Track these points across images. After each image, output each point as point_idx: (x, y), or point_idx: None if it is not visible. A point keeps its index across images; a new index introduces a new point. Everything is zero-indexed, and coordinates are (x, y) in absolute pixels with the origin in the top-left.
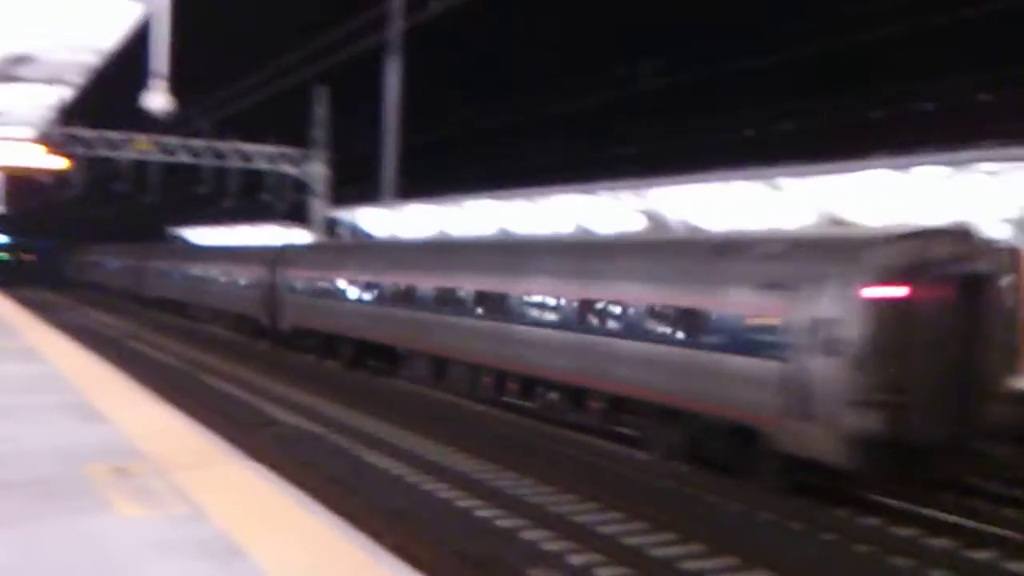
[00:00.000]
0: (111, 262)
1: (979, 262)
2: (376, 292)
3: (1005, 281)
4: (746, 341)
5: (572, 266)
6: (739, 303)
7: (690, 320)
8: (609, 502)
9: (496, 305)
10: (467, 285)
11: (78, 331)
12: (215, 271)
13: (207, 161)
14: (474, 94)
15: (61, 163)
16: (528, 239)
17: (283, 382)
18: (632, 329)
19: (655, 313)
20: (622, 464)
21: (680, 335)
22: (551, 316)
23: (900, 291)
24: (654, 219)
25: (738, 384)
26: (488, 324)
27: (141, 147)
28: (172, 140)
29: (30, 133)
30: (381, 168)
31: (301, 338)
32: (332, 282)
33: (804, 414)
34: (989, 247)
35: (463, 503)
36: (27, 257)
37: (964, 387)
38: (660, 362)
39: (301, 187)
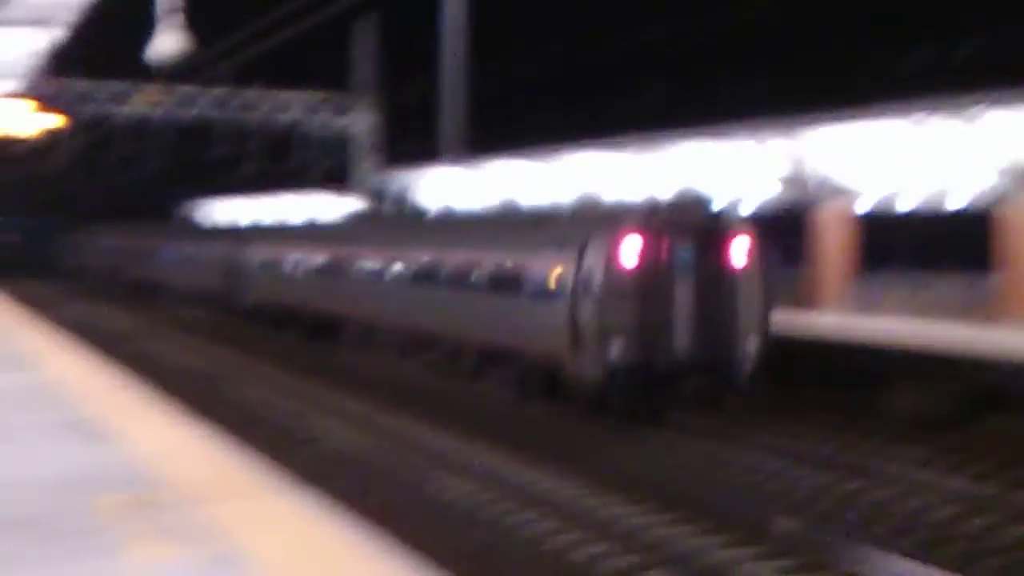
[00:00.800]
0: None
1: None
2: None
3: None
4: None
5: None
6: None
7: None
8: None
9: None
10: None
11: (78, 330)
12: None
13: (230, 115)
14: (554, 28)
15: (52, 121)
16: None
17: (325, 385)
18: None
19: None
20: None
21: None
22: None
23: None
24: (805, 172)
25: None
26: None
27: (147, 100)
28: (189, 88)
29: (13, 87)
30: (441, 118)
31: None
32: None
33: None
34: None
35: (584, 547)
36: (12, 240)
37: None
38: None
39: (343, 146)
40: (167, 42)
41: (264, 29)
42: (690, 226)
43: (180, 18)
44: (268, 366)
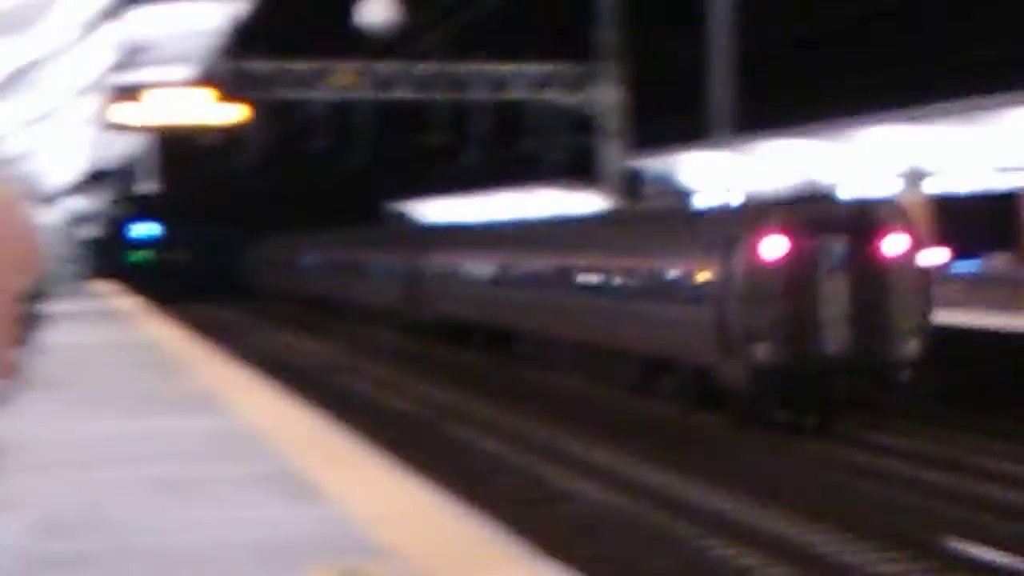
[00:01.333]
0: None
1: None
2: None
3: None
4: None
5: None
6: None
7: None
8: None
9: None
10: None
11: (267, 364)
12: None
13: (439, 95)
14: None
15: (237, 113)
16: None
17: (566, 431)
18: None
19: None
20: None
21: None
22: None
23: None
24: None
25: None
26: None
27: (344, 82)
28: (387, 67)
29: (189, 73)
30: (706, 89)
31: None
32: None
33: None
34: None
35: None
36: (181, 256)
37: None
38: None
39: (582, 126)
40: (378, 8)
41: None
42: (840, 220)
43: None
44: (482, 403)
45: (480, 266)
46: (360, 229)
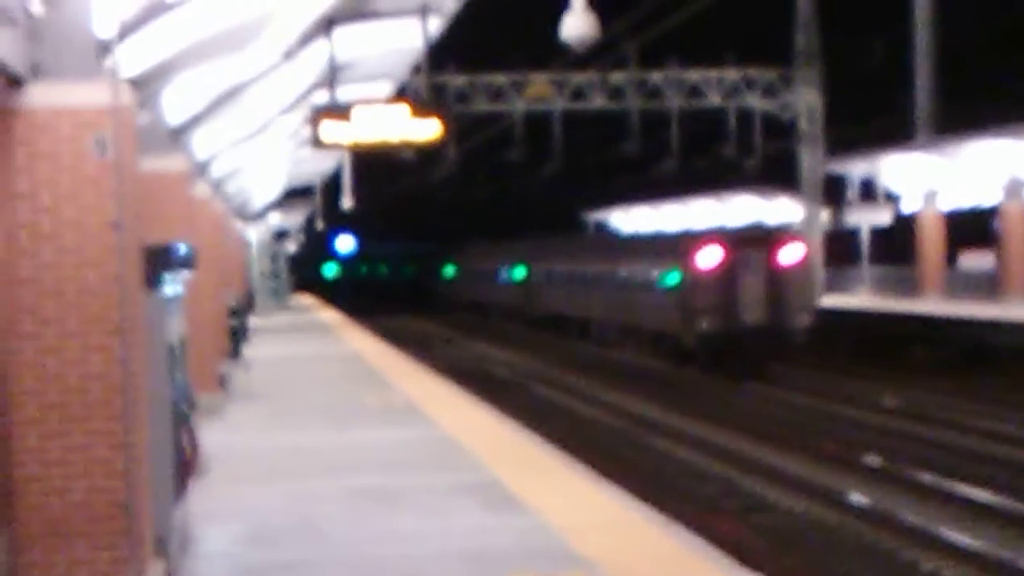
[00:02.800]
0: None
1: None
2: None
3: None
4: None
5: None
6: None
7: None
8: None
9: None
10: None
11: (463, 374)
12: None
13: (633, 104)
14: None
15: (433, 127)
16: None
17: (760, 440)
18: None
19: None
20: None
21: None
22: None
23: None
24: None
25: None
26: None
27: (538, 93)
28: (580, 77)
29: (386, 90)
30: (908, 89)
31: None
32: None
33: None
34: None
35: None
36: (375, 269)
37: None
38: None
39: (781, 130)
40: (580, 21)
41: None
42: (755, 238)
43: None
44: (680, 415)
45: (560, 272)
46: (504, 243)
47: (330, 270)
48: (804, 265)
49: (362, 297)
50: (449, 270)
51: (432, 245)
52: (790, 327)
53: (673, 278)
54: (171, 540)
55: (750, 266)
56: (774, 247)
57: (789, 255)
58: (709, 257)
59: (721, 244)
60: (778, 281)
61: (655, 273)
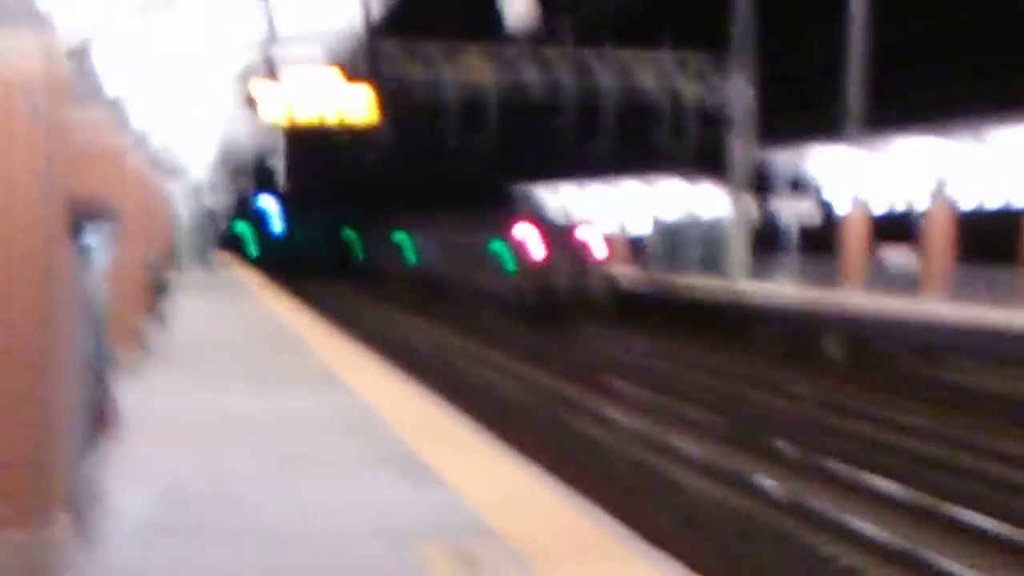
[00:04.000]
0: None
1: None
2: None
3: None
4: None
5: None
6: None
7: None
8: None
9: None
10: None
11: (388, 347)
12: None
13: (572, 81)
14: None
15: (365, 96)
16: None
17: (673, 426)
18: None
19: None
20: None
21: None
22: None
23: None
24: None
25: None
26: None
27: (471, 63)
28: (514, 50)
29: (319, 55)
30: (841, 84)
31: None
32: None
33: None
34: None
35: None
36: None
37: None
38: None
39: (709, 120)
40: (519, 4)
41: None
42: (561, 228)
43: None
44: (597, 396)
45: (435, 242)
46: (401, 217)
47: (241, 229)
48: (596, 246)
49: (286, 261)
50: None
51: (358, 214)
52: (589, 291)
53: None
54: (80, 496)
55: (555, 243)
56: (573, 230)
57: (590, 235)
58: (528, 233)
59: (536, 224)
60: (580, 258)
61: (483, 242)
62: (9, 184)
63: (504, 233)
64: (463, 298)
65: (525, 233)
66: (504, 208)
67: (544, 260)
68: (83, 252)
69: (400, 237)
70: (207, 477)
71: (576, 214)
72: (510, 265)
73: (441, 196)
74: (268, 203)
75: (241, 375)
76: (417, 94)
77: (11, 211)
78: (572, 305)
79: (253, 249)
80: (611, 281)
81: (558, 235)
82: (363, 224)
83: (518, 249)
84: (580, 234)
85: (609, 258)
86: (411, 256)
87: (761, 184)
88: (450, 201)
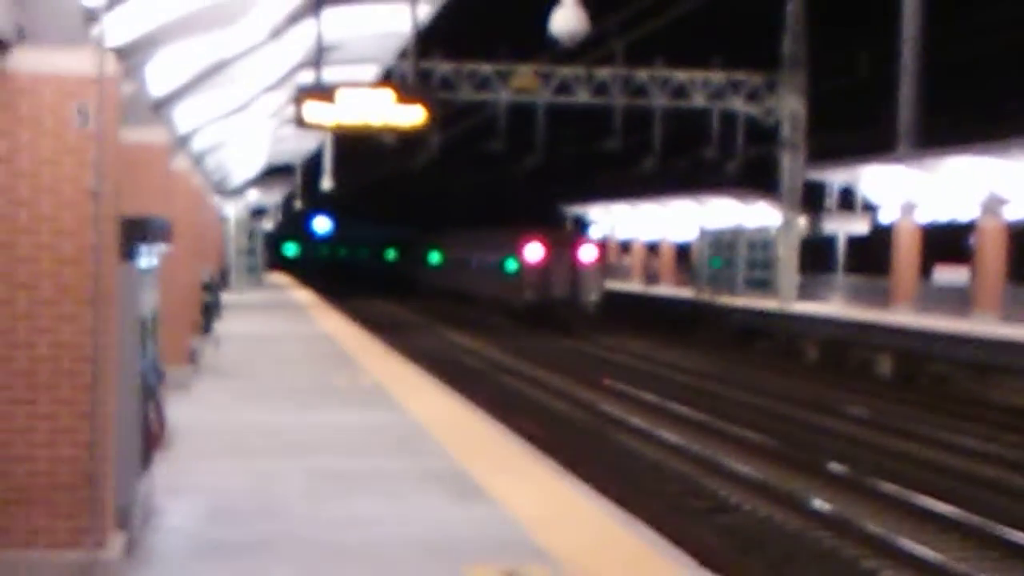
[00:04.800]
0: None
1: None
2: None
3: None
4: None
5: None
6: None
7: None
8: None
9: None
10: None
11: (437, 362)
12: None
13: (622, 101)
14: None
15: (417, 113)
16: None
17: (724, 445)
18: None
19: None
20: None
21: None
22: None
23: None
24: None
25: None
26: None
27: (524, 84)
28: (567, 71)
29: (372, 73)
30: (893, 101)
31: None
32: None
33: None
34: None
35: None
36: (352, 252)
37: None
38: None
39: (763, 135)
40: (570, 16)
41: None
42: (563, 238)
43: None
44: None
45: (454, 258)
46: (434, 234)
47: (304, 251)
48: (596, 259)
49: (336, 277)
50: (391, 254)
51: (411, 231)
52: (585, 301)
53: (512, 265)
54: (133, 512)
55: (559, 257)
56: (575, 247)
57: (586, 252)
58: (534, 250)
59: (540, 240)
60: (577, 269)
61: (503, 260)
62: (55, 192)
63: (516, 251)
64: (483, 307)
65: (533, 252)
66: (518, 228)
67: (546, 275)
68: (137, 270)
69: (433, 255)
70: (254, 493)
71: (625, 233)
72: (519, 279)
73: (487, 211)
74: (319, 224)
75: (289, 391)
76: (468, 113)
77: (58, 219)
78: (569, 314)
79: (303, 267)
80: (600, 292)
81: (561, 252)
82: (404, 242)
83: (525, 265)
84: (581, 252)
85: (602, 268)
86: (441, 270)
87: (812, 203)
88: (497, 216)
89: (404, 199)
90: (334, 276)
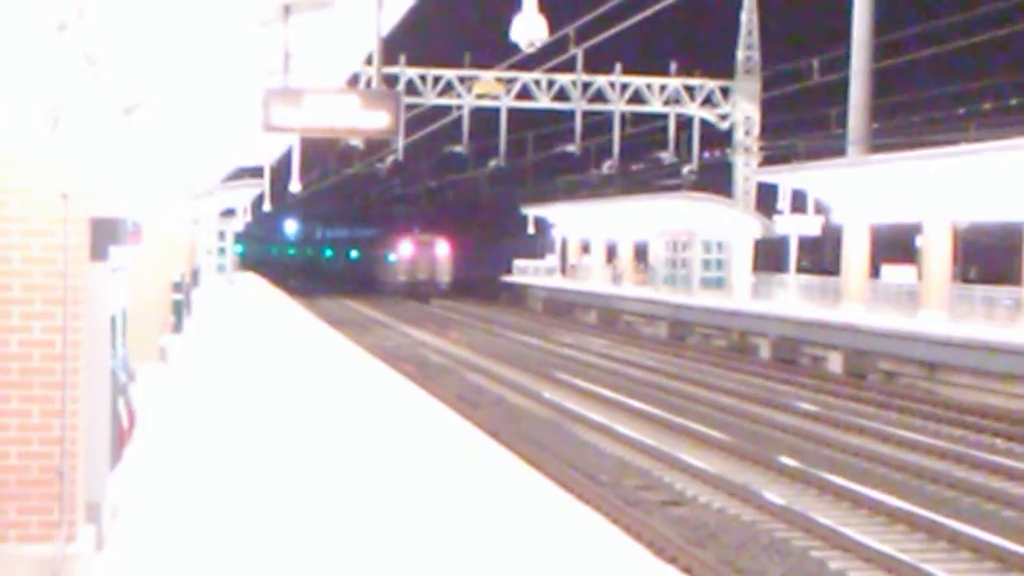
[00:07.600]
0: None
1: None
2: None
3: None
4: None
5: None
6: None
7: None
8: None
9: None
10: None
11: (389, 356)
12: None
13: (581, 105)
14: None
15: (382, 118)
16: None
17: (682, 441)
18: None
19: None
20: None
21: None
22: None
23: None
24: None
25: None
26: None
27: (485, 89)
28: (525, 75)
29: (339, 79)
30: (843, 106)
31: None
32: None
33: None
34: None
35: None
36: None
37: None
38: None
39: (717, 139)
40: (532, 23)
41: (620, 5)
42: (425, 238)
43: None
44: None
45: (365, 254)
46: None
47: (278, 250)
48: (446, 254)
49: (305, 277)
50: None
51: (376, 231)
52: (439, 284)
53: (391, 257)
54: (103, 507)
55: (422, 251)
56: (434, 245)
57: (441, 250)
58: (406, 247)
59: (411, 239)
60: (434, 260)
61: (386, 254)
62: (24, 193)
63: (395, 247)
64: (377, 288)
65: (405, 246)
66: (402, 229)
67: (413, 265)
68: (107, 270)
69: (352, 252)
70: (224, 490)
71: (584, 233)
72: (395, 267)
73: (451, 213)
74: (288, 226)
75: (258, 386)
76: (433, 116)
77: (27, 220)
78: (427, 292)
79: (272, 266)
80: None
81: (424, 249)
82: (360, 243)
83: (400, 256)
84: (437, 246)
85: (452, 260)
86: (358, 263)
87: (765, 204)
88: (461, 219)
89: (366, 201)
90: (304, 275)
